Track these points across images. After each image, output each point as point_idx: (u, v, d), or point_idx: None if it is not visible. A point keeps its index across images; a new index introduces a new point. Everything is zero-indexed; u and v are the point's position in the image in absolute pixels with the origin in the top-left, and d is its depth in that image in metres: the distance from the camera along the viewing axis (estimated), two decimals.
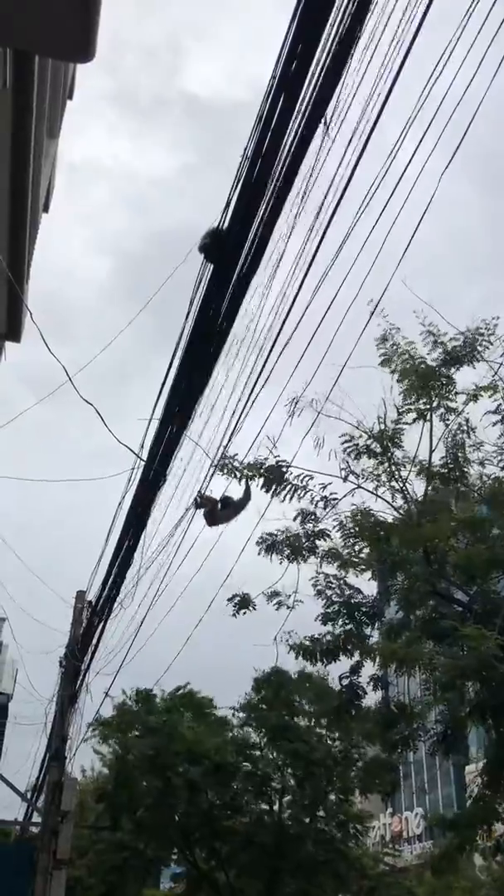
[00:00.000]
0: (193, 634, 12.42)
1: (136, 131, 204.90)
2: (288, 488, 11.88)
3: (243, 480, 11.28)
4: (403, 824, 48.65)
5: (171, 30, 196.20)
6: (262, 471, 11.74)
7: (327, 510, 11.98)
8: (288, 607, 12.17)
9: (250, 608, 12.37)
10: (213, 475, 8.38)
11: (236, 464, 11.44)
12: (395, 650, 11.21)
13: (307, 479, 11.91)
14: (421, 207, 5.41)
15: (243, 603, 12.31)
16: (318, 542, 12.19)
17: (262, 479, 11.79)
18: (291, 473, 11.92)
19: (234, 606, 12.33)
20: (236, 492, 9.46)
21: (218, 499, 8.50)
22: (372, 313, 8.81)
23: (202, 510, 8.39)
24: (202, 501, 8.27)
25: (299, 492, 11.91)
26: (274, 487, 11.79)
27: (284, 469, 11.85)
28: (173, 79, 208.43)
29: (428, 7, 3.88)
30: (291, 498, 11.90)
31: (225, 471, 11.12)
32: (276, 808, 21.52)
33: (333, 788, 21.14)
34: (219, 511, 8.43)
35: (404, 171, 4.94)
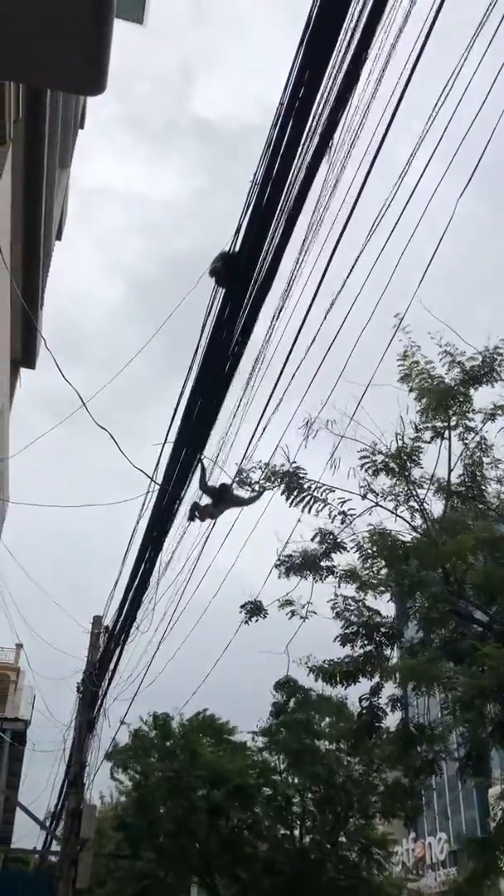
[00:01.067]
0: (209, 657, 12.39)
1: (148, 156, 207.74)
2: (307, 499, 11.80)
3: (256, 487, 11.28)
4: (427, 849, 47.80)
5: (181, 56, 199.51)
6: (278, 477, 11.71)
7: (345, 525, 11.90)
8: (301, 617, 12.09)
9: (262, 616, 12.22)
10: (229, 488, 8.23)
11: (254, 475, 11.44)
12: (414, 666, 11.09)
13: (327, 492, 11.85)
14: (432, 225, 5.45)
15: (255, 610, 12.21)
16: (334, 554, 12.09)
17: (281, 486, 11.75)
18: (312, 485, 11.86)
19: (246, 613, 12.23)
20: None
21: (215, 494, 7.81)
22: (396, 331, 8.84)
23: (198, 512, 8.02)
24: (198, 513, 7.99)
25: (318, 504, 11.82)
26: (294, 496, 11.73)
27: (302, 476, 11.79)
28: (184, 104, 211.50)
29: (431, 28, 3.93)
30: (311, 509, 11.81)
31: (242, 485, 11.12)
32: (297, 832, 21.26)
33: (354, 812, 20.86)
34: (211, 507, 7.83)
35: (413, 189, 4.98)
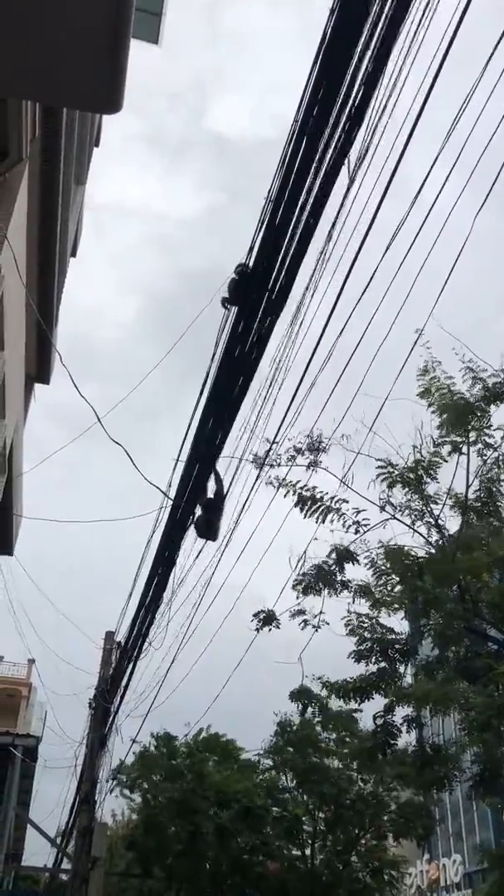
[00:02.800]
0: (220, 674, 12.27)
1: (163, 172, 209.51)
2: (321, 509, 11.66)
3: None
4: (441, 871, 47.09)
5: (196, 72, 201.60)
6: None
7: (359, 536, 11.78)
8: (314, 627, 11.92)
9: (275, 625, 12.02)
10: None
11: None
12: (430, 692, 10.94)
13: (341, 502, 11.73)
14: (450, 241, 5.43)
15: (268, 619, 12.03)
16: (347, 566, 11.95)
17: (295, 497, 11.61)
18: (324, 495, 11.72)
19: (259, 622, 12.02)
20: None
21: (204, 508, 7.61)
22: (414, 345, 8.79)
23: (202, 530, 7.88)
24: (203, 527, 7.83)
25: (332, 515, 11.68)
26: (308, 507, 11.59)
27: (323, 446, 11.54)
28: (199, 120, 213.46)
29: (449, 46, 3.94)
30: (325, 519, 11.67)
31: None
32: (307, 852, 20.98)
33: (366, 832, 20.57)
34: (208, 519, 7.59)
35: (431, 207, 4.97)
